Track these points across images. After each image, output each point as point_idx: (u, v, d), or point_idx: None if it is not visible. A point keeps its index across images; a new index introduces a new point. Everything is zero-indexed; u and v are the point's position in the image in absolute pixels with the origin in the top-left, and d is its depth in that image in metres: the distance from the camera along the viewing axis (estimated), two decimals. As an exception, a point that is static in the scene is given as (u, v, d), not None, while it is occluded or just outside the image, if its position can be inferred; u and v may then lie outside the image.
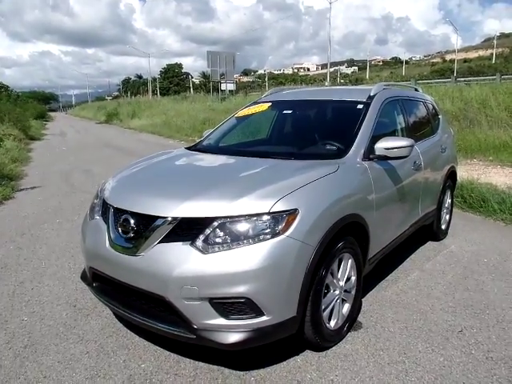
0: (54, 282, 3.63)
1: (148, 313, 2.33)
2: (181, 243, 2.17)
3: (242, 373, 2.36)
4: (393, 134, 3.58)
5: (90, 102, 76.93)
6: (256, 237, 2.12)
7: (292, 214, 2.19)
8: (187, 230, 2.19)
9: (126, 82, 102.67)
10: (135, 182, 2.81)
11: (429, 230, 4.43)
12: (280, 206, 2.18)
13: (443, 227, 4.62)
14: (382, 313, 3.02)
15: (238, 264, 2.08)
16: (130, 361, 2.49)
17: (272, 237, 2.12)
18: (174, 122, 22.14)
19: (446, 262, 3.98)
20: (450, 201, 4.79)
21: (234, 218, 2.16)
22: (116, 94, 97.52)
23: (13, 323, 2.94)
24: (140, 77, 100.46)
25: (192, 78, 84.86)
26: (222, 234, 2.14)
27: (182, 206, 2.22)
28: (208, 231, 2.15)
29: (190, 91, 49.25)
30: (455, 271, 3.76)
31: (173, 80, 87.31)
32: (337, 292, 2.57)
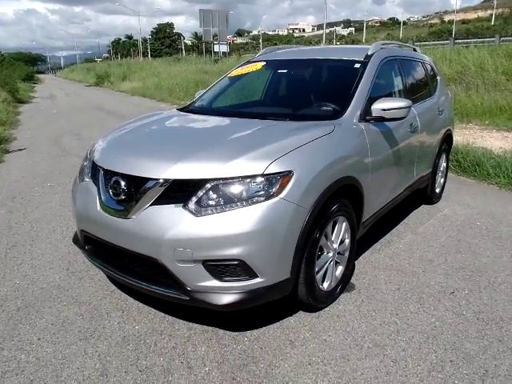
0: (47, 245, 3.60)
1: (141, 275, 2.32)
2: (173, 205, 2.12)
3: (235, 333, 2.38)
4: (390, 95, 3.49)
5: (79, 64, 74.80)
6: (250, 199, 2.08)
7: (286, 175, 2.14)
8: (179, 192, 2.14)
9: (116, 43, 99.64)
10: (125, 143, 2.72)
11: (423, 194, 4.42)
12: (274, 168, 2.13)
13: (437, 191, 4.61)
14: (375, 275, 3.04)
15: (231, 226, 2.04)
16: (125, 323, 2.49)
17: (266, 199, 2.08)
18: (165, 84, 21.60)
19: (439, 225, 3.99)
20: (445, 164, 4.76)
21: (227, 180, 2.10)
22: (106, 55, 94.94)
23: (5, 286, 2.93)
24: (130, 37, 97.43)
25: (184, 38, 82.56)
26: (214, 196, 2.10)
27: (174, 167, 2.16)
28: (201, 193, 2.10)
29: (182, 53, 47.94)
30: (448, 234, 3.78)
31: (164, 41, 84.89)
32: (330, 254, 2.56)
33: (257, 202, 2.07)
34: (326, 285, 2.57)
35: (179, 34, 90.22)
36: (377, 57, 3.29)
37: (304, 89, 3.47)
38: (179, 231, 2.07)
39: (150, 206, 2.17)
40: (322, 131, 2.51)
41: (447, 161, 4.89)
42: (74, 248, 3.42)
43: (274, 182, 2.11)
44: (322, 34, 39.37)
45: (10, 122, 11.31)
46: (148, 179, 2.18)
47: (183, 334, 2.38)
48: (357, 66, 3.18)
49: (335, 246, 2.59)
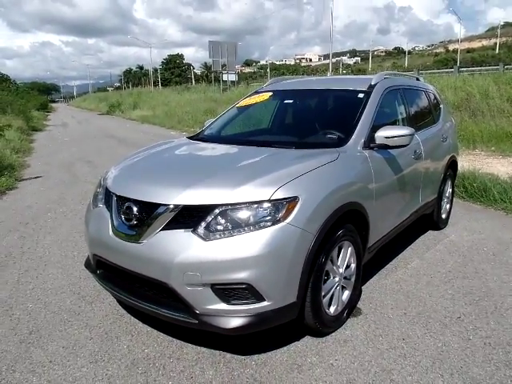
0: (58, 270, 3.67)
1: (151, 299, 2.37)
2: (183, 230, 2.20)
3: (243, 357, 2.40)
4: (394, 123, 3.59)
5: (91, 93, 76.72)
6: (257, 224, 2.15)
7: (292, 201, 2.21)
8: (189, 217, 2.22)
9: (128, 72, 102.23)
10: (137, 170, 2.83)
11: (429, 219, 4.46)
12: (280, 194, 2.21)
13: (443, 216, 4.65)
14: (382, 300, 3.06)
15: (239, 250, 2.11)
16: (134, 346, 2.53)
17: (272, 224, 2.15)
18: (175, 112, 22.10)
19: (445, 251, 4.01)
20: (450, 190, 4.81)
21: (235, 206, 2.18)
22: (117, 84, 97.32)
23: (18, 310, 2.99)
24: (141, 67, 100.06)
25: (194, 68, 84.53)
26: (223, 221, 2.17)
27: (184, 193, 2.25)
28: (209, 218, 2.18)
29: (191, 82, 49.05)
30: (455, 260, 3.79)
31: (174, 71, 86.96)
32: (336, 279, 2.60)
33: (264, 226, 2.15)
34: (332, 309, 2.60)
35: (189, 64, 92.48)
36: (380, 86, 3.40)
37: (309, 118, 3.58)
38: (189, 255, 2.13)
39: (161, 230, 2.25)
40: (326, 158, 2.60)
41: (453, 187, 4.93)
42: (85, 273, 3.50)
43: (281, 207, 2.19)
44: (329, 64, 40.15)
45: (24, 149, 11.61)
46: (159, 205, 2.27)
47: (191, 358, 2.41)
48: (361, 95, 3.29)
49: (341, 270, 2.63)
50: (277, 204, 2.19)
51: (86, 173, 8.27)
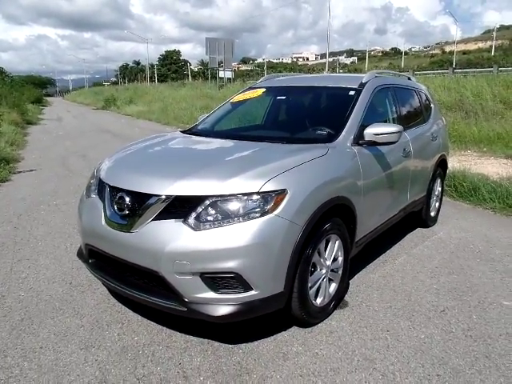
0: (51, 260, 3.71)
1: (141, 287, 2.43)
2: (173, 220, 2.25)
3: (230, 345, 2.46)
4: (383, 121, 3.65)
5: (87, 88, 76.37)
6: (246, 215, 2.21)
7: (281, 194, 2.27)
8: (180, 207, 2.28)
9: (124, 68, 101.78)
10: (131, 161, 2.88)
11: (418, 217, 4.53)
12: (269, 186, 2.26)
13: (432, 214, 4.73)
14: (368, 293, 3.13)
15: (228, 240, 2.16)
16: (124, 334, 2.59)
17: (261, 215, 2.21)
18: (171, 108, 22.07)
19: (433, 248, 4.09)
20: (440, 189, 4.89)
21: (225, 197, 2.24)
22: (113, 80, 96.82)
23: (10, 298, 3.03)
24: (138, 63, 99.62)
25: (190, 65, 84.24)
26: (213, 211, 2.23)
27: (176, 184, 2.30)
28: (200, 209, 2.23)
29: (188, 78, 48.94)
30: (442, 256, 3.87)
31: (171, 67, 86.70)
32: (323, 271, 2.66)
33: (252, 218, 2.20)
34: (319, 300, 2.67)
35: (186, 61, 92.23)
36: (370, 85, 3.47)
37: (301, 114, 3.65)
38: (179, 244, 2.19)
39: (152, 220, 2.30)
40: (316, 153, 2.66)
41: (442, 185, 5.01)
42: (78, 263, 3.55)
43: (269, 199, 2.25)
44: (325, 63, 40.23)
45: (18, 142, 11.57)
46: (151, 195, 2.32)
47: (180, 346, 2.47)
48: (351, 93, 3.35)
49: (328, 263, 2.70)
50: (266, 196, 2.25)
51: (80, 166, 8.28)
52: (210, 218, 2.22)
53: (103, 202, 2.60)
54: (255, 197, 2.24)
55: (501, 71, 15.49)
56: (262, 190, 2.24)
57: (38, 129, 17.01)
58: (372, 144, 3.06)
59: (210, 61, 26.70)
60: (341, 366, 2.29)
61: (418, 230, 4.62)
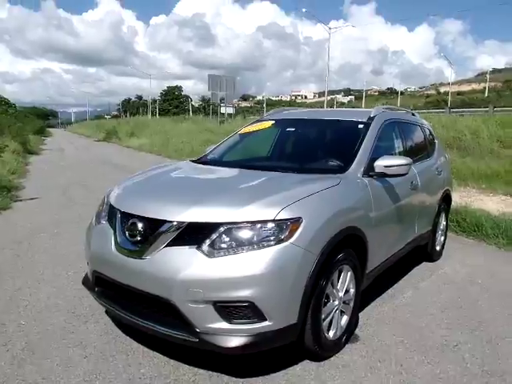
0: (52, 289, 3.63)
1: (150, 316, 2.36)
2: (187, 247, 2.22)
3: (241, 380, 2.37)
4: (391, 154, 3.68)
5: (88, 120, 77.43)
6: (261, 243, 2.18)
7: (296, 222, 2.26)
8: (193, 234, 2.25)
9: (126, 102, 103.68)
10: (142, 188, 2.88)
11: (423, 251, 4.50)
12: (284, 214, 2.25)
13: (437, 248, 4.70)
14: (379, 327, 3.06)
15: (242, 268, 2.13)
16: (129, 366, 2.50)
17: (276, 243, 2.19)
18: (172, 142, 22.31)
19: (440, 282, 4.04)
20: (444, 223, 4.89)
21: (239, 224, 2.22)
22: (115, 113, 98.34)
23: (10, 326, 2.94)
24: (140, 98, 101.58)
25: (191, 100, 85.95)
26: (227, 239, 2.20)
27: (189, 211, 2.29)
28: (214, 236, 2.21)
29: (189, 113, 49.80)
30: (449, 291, 3.82)
31: (172, 102, 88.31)
32: (336, 302, 2.61)
33: (267, 246, 2.18)
34: (331, 333, 2.60)
35: (187, 96, 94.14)
36: (379, 118, 3.53)
37: (311, 145, 3.69)
38: (192, 272, 2.15)
39: (165, 247, 2.27)
40: (329, 183, 2.67)
41: (447, 220, 5.02)
42: (80, 292, 3.48)
43: (285, 227, 2.23)
44: (324, 101, 41.15)
45: (20, 171, 11.59)
46: (164, 221, 2.30)
47: (188, 379, 2.38)
48: (360, 126, 3.41)
49: (341, 294, 2.65)
50: (281, 224, 2.23)
51: (82, 196, 8.26)
52: (224, 245, 2.20)
53: (113, 228, 2.57)
54: (270, 224, 2.23)
55: (496, 111, 15.86)
56: (277, 218, 2.23)
57: (39, 159, 17.08)
58: (382, 176, 3.07)
59: (211, 96, 27.28)
60: (357, 403, 2.20)
61: (424, 264, 4.58)
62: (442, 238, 4.86)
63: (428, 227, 4.32)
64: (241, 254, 2.16)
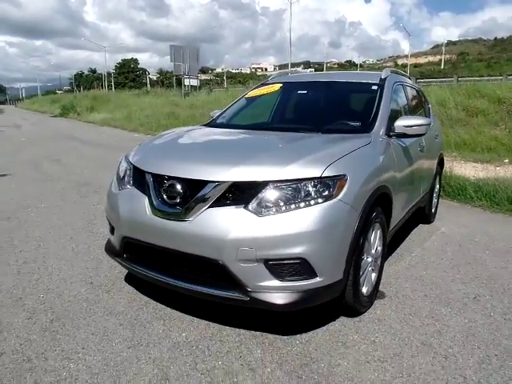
0: (60, 261, 3.47)
1: (194, 279, 2.31)
2: (234, 207, 2.17)
3: (285, 337, 2.39)
4: (400, 114, 3.73)
5: (40, 96, 73.28)
6: (309, 200, 2.17)
7: (341, 179, 2.26)
8: (239, 193, 2.20)
9: (79, 76, 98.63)
10: (173, 149, 2.76)
11: (421, 213, 4.65)
12: (330, 172, 2.24)
13: (433, 210, 4.87)
14: (399, 284, 3.16)
15: (294, 226, 2.11)
16: (170, 330, 2.45)
17: (325, 200, 2.18)
18: (136, 116, 21.58)
19: (442, 241, 4.20)
20: (438, 186, 5.06)
21: (286, 182, 2.19)
22: (67, 88, 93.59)
23: (29, 299, 2.80)
24: (94, 71, 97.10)
25: (149, 74, 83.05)
26: (275, 197, 2.17)
27: (234, 170, 2.23)
28: (262, 195, 2.17)
29: (147, 87, 48.09)
30: (453, 249, 3.99)
31: (128, 75, 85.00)
32: (370, 259, 2.66)
33: (316, 203, 2.17)
34: (364, 290, 2.65)
35: (144, 69, 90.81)
36: (390, 80, 3.54)
37: (328, 107, 3.65)
38: (243, 231, 2.11)
39: (209, 207, 2.21)
40: (362, 141, 2.67)
41: (440, 183, 5.19)
42: (92, 263, 3.38)
43: (332, 184, 2.22)
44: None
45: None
46: (207, 182, 2.23)
47: (234, 339, 2.37)
48: (374, 87, 3.41)
49: (373, 251, 2.70)
50: (328, 181, 2.22)
51: (57, 170, 7.89)
52: (272, 203, 2.16)
53: (146, 191, 2.46)
54: (317, 182, 2.21)
55: (460, 81, 16.37)
56: (324, 175, 2.21)
57: (-4, 135, 16.06)
58: (402, 136, 3.11)
59: (174, 68, 26.40)
60: (402, 352, 2.28)
61: (421, 226, 4.74)
62: (436, 201, 5.04)
63: (427, 189, 4.45)
64: (290, 211, 2.14)
